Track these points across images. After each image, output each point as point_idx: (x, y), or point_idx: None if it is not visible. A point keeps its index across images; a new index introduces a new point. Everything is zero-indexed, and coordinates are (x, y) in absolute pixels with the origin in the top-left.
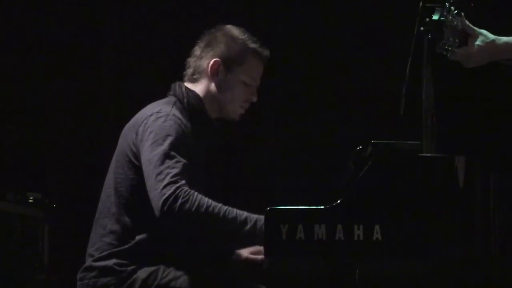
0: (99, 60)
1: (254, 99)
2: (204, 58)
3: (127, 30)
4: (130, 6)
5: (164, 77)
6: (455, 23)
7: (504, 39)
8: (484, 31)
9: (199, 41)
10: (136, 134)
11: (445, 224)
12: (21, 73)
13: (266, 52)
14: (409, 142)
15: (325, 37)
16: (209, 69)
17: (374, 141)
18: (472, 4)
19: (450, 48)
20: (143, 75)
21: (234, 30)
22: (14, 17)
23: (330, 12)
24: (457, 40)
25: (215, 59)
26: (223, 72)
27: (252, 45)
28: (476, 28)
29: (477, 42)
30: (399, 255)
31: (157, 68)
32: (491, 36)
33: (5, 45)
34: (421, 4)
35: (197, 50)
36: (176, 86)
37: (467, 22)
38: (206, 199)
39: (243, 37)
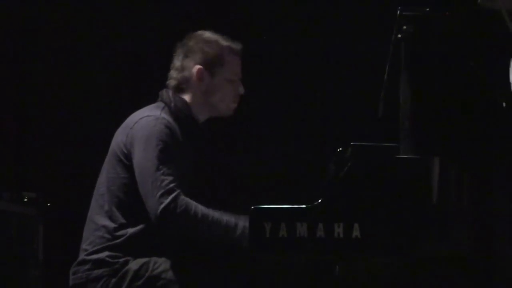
0: (92, 62)
1: (242, 91)
2: (186, 69)
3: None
4: (126, 9)
5: (156, 82)
6: None
7: None
8: None
9: (174, 54)
10: (127, 137)
11: (421, 223)
12: (15, 74)
13: (239, 46)
14: (387, 144)
15: (310, 42)
16: (194, 77)
17: (354, 143)
18: (447, 13)
19: None
20: (135, 78)
21: (205, 35)
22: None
23: (312, 18)
24: None
25: (197, 67)
26: (208, 76)
27: (225, 43)
28: None
29: None
30: (377, 252)
31: (149, 73)
32: None
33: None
34: (398, 12)
35: (176, 63)
36: (163, 92)
37: None
38: (200, 207)
39: (215, 39)
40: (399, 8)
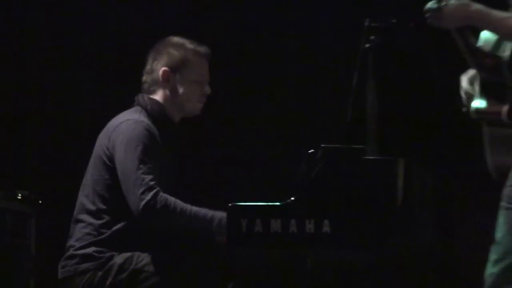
0: (80, 65)
1: (208, 92)
2: (155, 71)
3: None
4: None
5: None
6: None
7: (478, 6)
8: None
9: (147, 57)
10: (109, 140)
11: (385, 219)
12: (11, 75)
13: (204, 49)
14: (355, 146)
15: (286, 48)
16: (161, 79)
17: (324, 145)
18: (412, 24)
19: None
20: (118, 84)
21: (172, 39)
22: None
23: (287, 27)
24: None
25: (163, 69)
26: (173, 78)
27: (190, 46)
28: None
29: (452, 1)
30: (345, 246)
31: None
32: (466, 1)
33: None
34: (366, 24)
35: (147, 66)
36: (139, 97)
37: None
38: (179, 202)
39: (181, 42)
40: (367, 19)
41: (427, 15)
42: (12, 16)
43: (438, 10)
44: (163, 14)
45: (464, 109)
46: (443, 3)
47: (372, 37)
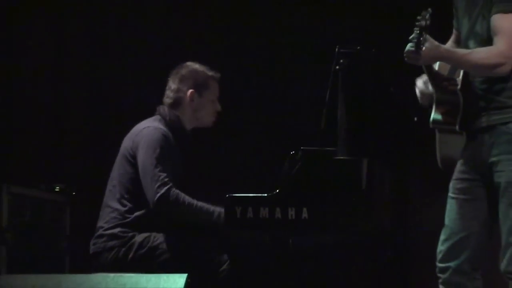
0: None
1: (219, 109)
2: (181, 91)
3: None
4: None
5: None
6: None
7: (445, 47)
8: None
9: (169, 78)
10: (133, 143)
11: (353, 207)
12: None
13: (218, 75)
14: (328, 148)
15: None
16: (188, 98)
17: (303, 147)
18: (374, 50)
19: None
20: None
21: (194, 66)
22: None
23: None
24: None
25: (190, 90)
26: (197, 97)
27: (210, 73)
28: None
29: (426, 45)
30: (320, 229)
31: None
32: (433, 41)
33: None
34: (337, 49)
35: (172, 85)
36: (160, 108)
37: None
38: (188, 197)
39: (202, 69)
40: (337, 46)
41: (406, 56)
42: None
43: (416, 52)
44: None
45: (415, 119)
46: (422, 47)
47: (341, 61)
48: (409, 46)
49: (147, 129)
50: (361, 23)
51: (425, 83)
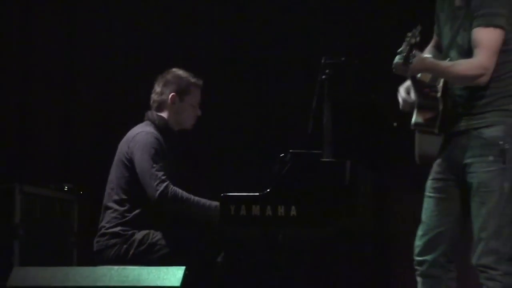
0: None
1: (199, 114)
2: (164, 94)
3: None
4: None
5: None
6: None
7: (430, 59)
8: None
9: (155, 82)
10: (128, 147)
11: (337, 205)
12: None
13: (200, 81)
14: (314, 151)
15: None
16: (169, 101)
17: (292, 150)
18: (357, 61)
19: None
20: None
21: (178, 72)
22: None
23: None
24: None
25: (172, 93)
26: (178, 101)
27: (192, 80)
28: (417, 52)
29: (415, 60)
30: (307, 226)
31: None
32: (421, 55)
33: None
34: (323, 60)
35: (157, 88)
36: (149, 113)
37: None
38: (185, 192)
39: (185, 75)
40: (323, 57)
41: (395, 68)
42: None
43: (405, 66)
44: None
45: (395, 124)
46: (410, 61)
47: (327, 71)
48: (398, 59)
49: (140, 134)
50: (345, 35)
51: (407, 91)
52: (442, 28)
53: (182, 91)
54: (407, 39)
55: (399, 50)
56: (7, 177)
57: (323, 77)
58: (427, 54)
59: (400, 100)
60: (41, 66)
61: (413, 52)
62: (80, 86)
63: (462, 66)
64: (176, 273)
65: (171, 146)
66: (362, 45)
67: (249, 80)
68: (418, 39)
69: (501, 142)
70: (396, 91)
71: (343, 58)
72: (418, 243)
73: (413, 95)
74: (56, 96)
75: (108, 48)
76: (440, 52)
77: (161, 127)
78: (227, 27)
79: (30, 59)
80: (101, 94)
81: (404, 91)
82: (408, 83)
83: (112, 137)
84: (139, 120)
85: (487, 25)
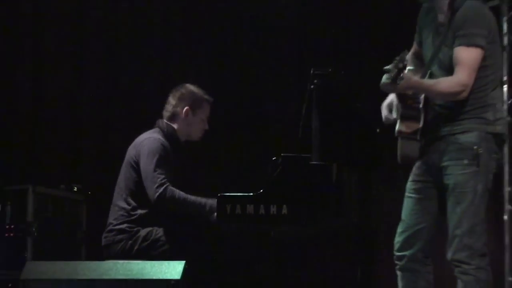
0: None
1: (207, 127)
2: (179, 107)
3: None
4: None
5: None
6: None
7: (415, 78)
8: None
9: (170, 95)
10: (136, 151)
11: (324, 205)
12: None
13: (211, 99)
14: (304, 155)
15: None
16: (183, 114)
17: (283, 154)
18: (342, 72)
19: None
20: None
21: (192, 88)
22: None
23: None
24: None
25: (186, 107)
26: (191, 114)
27: (205, 96)
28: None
29: (402, 81)
30: (297, 224)
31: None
32: (408, 77)
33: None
34: (311, 71)
35: (172, 101)
36: (159, 122)
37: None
38: (182, 193)
39: (198, 91)
40: (312, 68)
41: (383, 87)
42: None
43: (392, 85)
44: None
45: (378, 130)
46: (398, 82)
47: (315, 81)
48: (386, 79)
49: (148, 140)
50: (332, 48)
51: (389, 108)
52: (424, 39)
53: (195, 106)
54: (395, 62)
55: (386, 68)
56: (21, 179)
57: (312, 87)
58: (409, 65)
59: (383, 115)
60: (52, 76)
61: (401, 75)
62: (87, 94)
63: (444, 84)
64: (176, 267)
65: (176, 152)
66: (348, 58)
67: (248, 90)
68: (406, 63)
69: (475, 147)
70: (379, 100)
71: (330, 69)
72: (398, 239)
73: (394, 112)
74: (66, 103)
75: (115, 55)
76: (419, 60)
77: (169, 135)
78: (227, 37)
79: (42, 68)
80: (106, 103)
81: (387, 109)
82: (389, 99)
83: (116, 143)
84: (143, 126)
85: (469, 44)
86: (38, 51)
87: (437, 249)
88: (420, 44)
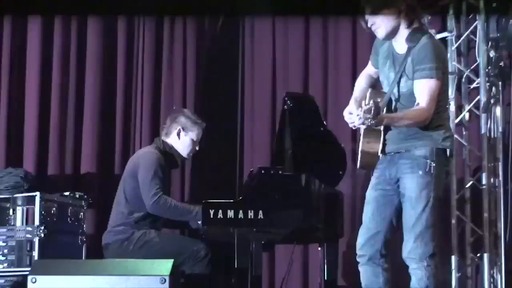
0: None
1: (197, 148)
2: (172, 127)
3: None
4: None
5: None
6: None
7: (387, 115)
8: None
9: (168, 117)
10: (134, 164)
11: (296, 209)
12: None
13: (203, 124)
14: (278, 166)
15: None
16: (176, 133)
17: (260, 166)
18: (310, 96)
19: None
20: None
21: (188, 112)
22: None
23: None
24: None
25: (179, 128)
26: (183, 135)
27: (197, 121)
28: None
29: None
30: (272, 226)
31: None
32: (381, 115)
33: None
34: (285, 95)
35: (168, 122)
36: (157, 139)
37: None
38: (174, 201)
39: (192, 116)
40: (285, 92)
41: (365, 123)
42: None
43: (373, 120)
44: None
45: (343, 145)
46: (372, 122)
47: (288, 102)
48: (359, 122)
49: (146, 154)
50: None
51: (349, 116)
52: (381, 67)
53: (187, 128)
54: (370, 106)
55: (365, 109)
56: (30, 188)
57: (285, 107)
58: (362, 83)
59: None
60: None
61: (374, 122)
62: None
63: (411, 115)
64: (166, 265)
65: (169, 166)
66: (316, 84)
67: (231, 113)
68: (378, 111)
69: (428, 161)
70: (344, 119)
71: (301, 93)
72: (359, 240)
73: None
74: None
75: (112, 74)
76: (374, 78)
77: (164, 151)
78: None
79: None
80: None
81: (348, 114)
82: (349, 107)
83: (113, 157)
84: (144, 139)
85: (429, 77)
86: (47, 66)
87: (393, 249)
88: (376, 66)
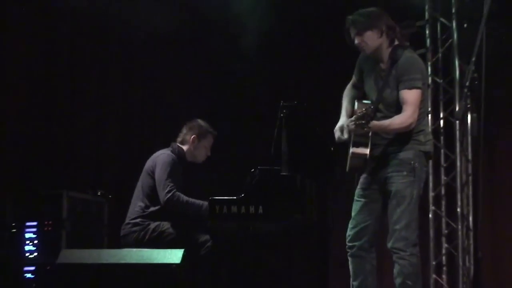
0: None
1: (209, 154)
2: (188, 135)
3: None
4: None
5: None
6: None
7: (376, 123)
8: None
9: (184, 125)
10: (153, 163)
11: (290, 205)
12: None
13: (215, 133)
14: (275, 167)
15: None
16: (191, 140)
17: (260, 167)
18: (305, 104)
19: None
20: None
21: (201, 122)
22: None
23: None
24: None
25: (193, 136)
26: (196, 142)
27: (210, 129)
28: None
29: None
30: (270, 220)
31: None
32: (370, 122)
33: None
34: (281, 103)
35: (184, 130)
36: (173, 144)
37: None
38: (185, 197)
39: (205, 125)
40: (281, 101)
41: (358, 128)
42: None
43: (366, 126)
44: None
45: (332, 149)
46: (369, 127)
47: (284, 110)
48: (356, 125)
49: (163, 155)
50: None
51: (341, 130)
52: (366, 81)
53: (201, 135)
54: (360, 121)
55: (358, 116)
56: (57, 186)
57: (281, 115)
58: (349, 95)
59: (336, 136)
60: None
61: (367, 130)
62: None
63: (397, 122)
64: (177, 254)
65: (182, 167)
66: (310, 93)
67: (233, 120)
68: (371, 116)
69: (412, 162)
70: (332, 126)
71: (296, 102)
72: (349, 233)
73: (345, 133)
74: (91, 126)
75: (134, 66)
76: (357, 90)
77: (179, 154)
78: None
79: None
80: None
81: (339, 131)
82: (341, 123)
83: (134, 157)
84: (158, 142)
85: (411, 87)
86: (74, 64)
87: (379, 240)
88: (360, 80)
